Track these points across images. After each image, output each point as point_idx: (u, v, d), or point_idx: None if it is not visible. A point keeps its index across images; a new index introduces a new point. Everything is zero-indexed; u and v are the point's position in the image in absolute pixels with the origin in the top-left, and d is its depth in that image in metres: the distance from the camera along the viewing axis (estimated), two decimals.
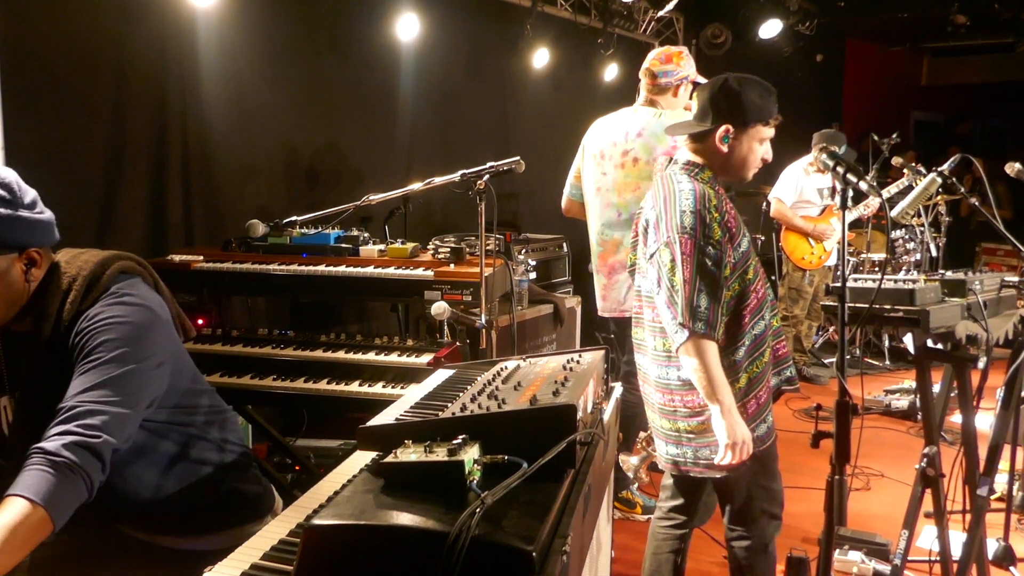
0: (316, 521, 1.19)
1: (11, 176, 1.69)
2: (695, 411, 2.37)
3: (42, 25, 3.53)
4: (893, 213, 2.97)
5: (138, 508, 1.87)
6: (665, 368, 2.42)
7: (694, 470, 2.44)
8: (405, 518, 1.19)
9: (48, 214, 1.75)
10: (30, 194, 1.72)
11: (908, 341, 6.31)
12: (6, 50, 3.18)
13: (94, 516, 1.85)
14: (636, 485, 3.98)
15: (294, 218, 3.62)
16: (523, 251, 4.95)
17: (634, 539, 3.45)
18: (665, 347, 2.40)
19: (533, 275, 4.87)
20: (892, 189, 5.58)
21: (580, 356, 1.97)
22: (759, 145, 2.39)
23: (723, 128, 2.34)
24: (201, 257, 3.49)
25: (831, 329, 7.16)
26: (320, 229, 3.62)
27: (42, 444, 1.51)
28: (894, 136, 6.30)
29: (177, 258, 3.49)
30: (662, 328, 2.39)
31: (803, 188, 6.05)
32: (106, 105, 3.83)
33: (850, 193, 2.00)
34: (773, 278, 6.67)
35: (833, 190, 6.02)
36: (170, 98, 4.12)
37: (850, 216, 4.33)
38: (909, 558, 2.75)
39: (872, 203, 6.03)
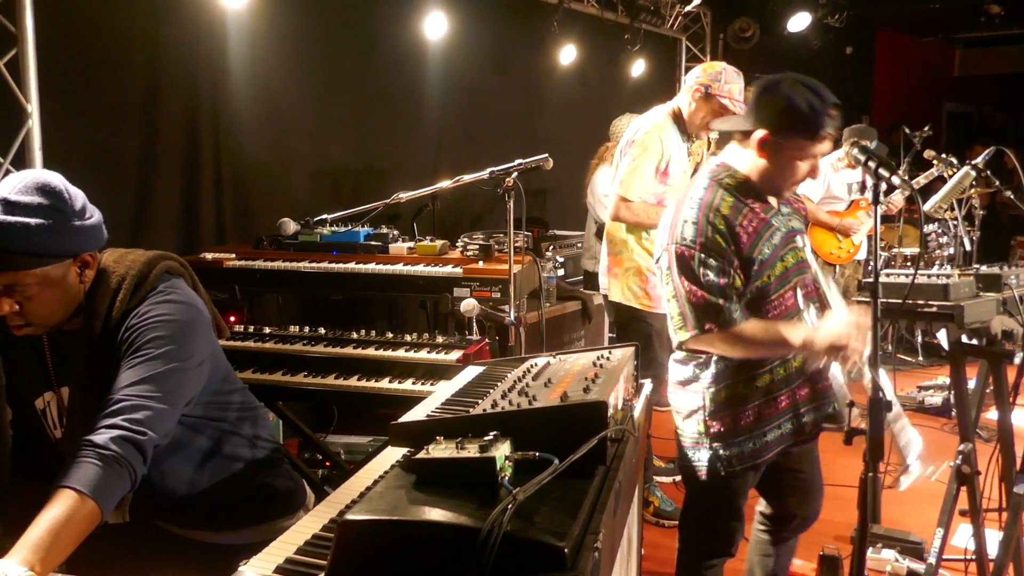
0: (350, 516, 1.20)
1: (59, 183, 1.69)
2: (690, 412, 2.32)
3: (77, 27, 3.59)
4: (926, 207, 2.92)
5: (173, 503, 1.91)
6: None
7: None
8: (437, 514, 1.20)
9: (97, 216, 1.77)
10: (79, 200, 1.73)
11: (942, 337, 6.23)
12: (43, 52, 3.24)
13: (132, 511, 1.89)
14: (658, 489, 3.92)
15: (324, 216, 3.66)
16: (551, 248, 4.95)
17: (663, 537, 3.44)
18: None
19: (561, 272, 4.88)
20: (921, 180, 5.48)
21: (610, 353, 1.96)
22: (800, 162, 2.13)
23: (761, 133, 2.13)
24: (233, 255, 3.54)
25: None
26: (350, 227, 3.65)
27: (91, 437, 1.55)
28: (926, 129, 6.19)
29: (209, 256, 3.54)
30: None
31: (831, 184, 5.97)
32: (139, 106, 3.90)
33: (883, 187, 1.97)
34: None
35: (863, 186, 5.92)
36: (201, 98, 4.17)
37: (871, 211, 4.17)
38: (944, 557, 2.71)
39: (894, 198, 5.88)
